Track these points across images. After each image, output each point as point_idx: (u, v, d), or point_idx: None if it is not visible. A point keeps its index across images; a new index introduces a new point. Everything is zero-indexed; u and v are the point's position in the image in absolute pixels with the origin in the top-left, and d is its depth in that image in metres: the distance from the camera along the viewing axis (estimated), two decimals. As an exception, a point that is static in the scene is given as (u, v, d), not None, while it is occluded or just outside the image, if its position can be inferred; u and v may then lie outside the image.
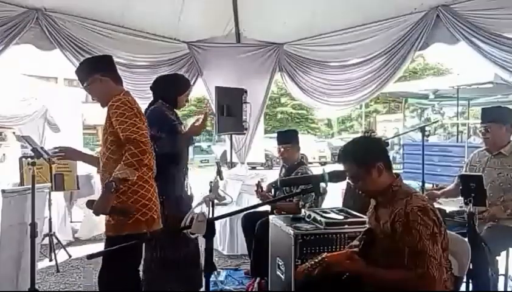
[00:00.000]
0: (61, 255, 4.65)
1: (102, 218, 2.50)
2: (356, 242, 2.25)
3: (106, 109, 2.48)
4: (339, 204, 3.78)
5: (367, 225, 2.21)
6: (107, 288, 2.43)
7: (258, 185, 3.91)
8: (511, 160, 3.04)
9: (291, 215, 3.27)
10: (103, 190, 2.41)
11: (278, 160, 18.08)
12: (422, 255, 1.78)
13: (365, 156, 2.04)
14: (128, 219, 2.34)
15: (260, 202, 3.79)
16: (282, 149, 3.96)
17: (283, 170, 4.08)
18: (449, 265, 1.97)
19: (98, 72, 2.49)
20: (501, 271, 2.97)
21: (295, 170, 3.86)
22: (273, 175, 4.38)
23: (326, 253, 1.98)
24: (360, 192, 2.13)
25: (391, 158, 3.01)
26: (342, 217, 3.00)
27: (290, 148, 3.94)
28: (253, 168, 13.08)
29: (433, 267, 1.77)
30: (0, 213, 3.12)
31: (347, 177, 2.11)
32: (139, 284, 2.61)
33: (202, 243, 1.73)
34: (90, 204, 2.36)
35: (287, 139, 4.01)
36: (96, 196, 2.43)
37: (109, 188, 2.23)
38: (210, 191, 3.65)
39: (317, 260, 1.93)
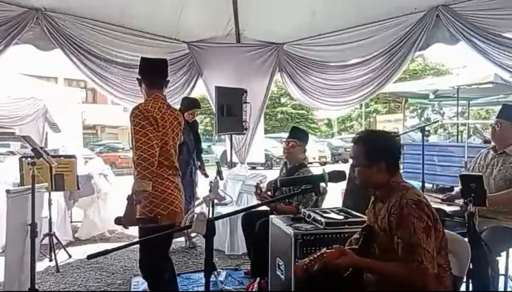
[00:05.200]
0: (61, 255, 4.65)
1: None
2: (356, 235, 2.25)
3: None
4: (339, 204, 3.78)
5: (367, 222, 2.21)
6: (148, 269, 2.71)
7: (257, 186, 3.89)
8: None
9: (291, 215, 3.26)
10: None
11: (278, 160, 18.10)
12: (417, 248, 1.79)
13: (374, 150, 2.05)
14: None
15: (260, 202, 3.77)
16: (289, 143, 3.91)
17: (284, 170, 4.05)
18: (447, 265, 1.96)
19: (139, 73, 2.79)
20: (501, 271, 2.96)
21: (297, 171, 3.83)
22: (273, 175, 4.37)
23: (325, 249, 1.96)
24: (354, 177, 2.15)
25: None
26: (341, 217, 3.00)
27: (297, 144, 3.89)
28: (253, 168, 13.07)
29: (427, 260, 1.77)
30: (5, 214, 3.13)
31: (350, 158, 2.14)
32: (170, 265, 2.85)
33: (202, 242, 1.74)
34: (118, 220, 2.55)
35: (298, 135, 3.98)
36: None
37: (131, 202, 2.45)
38: (210, 191, 3.66)
39: (316, 256, 1.92)
